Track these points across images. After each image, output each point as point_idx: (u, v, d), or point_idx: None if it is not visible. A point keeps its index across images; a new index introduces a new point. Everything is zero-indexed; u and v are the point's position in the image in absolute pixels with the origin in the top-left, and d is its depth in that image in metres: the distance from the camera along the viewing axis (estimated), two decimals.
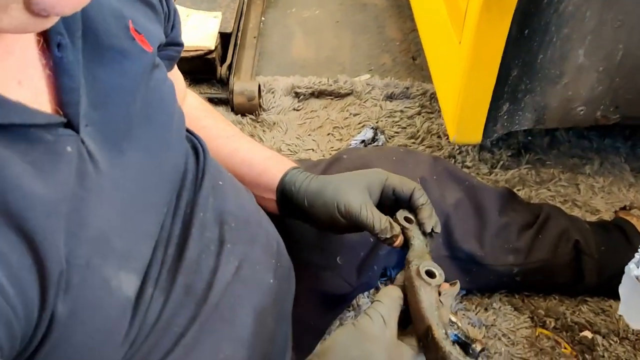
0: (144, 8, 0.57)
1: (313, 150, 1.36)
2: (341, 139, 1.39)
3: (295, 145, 1.36)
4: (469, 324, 0.99)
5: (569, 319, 0.99)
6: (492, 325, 0.99)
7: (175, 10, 0.66)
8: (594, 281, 0.99)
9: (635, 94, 1.01)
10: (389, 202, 0.70)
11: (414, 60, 1.62)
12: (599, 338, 0.96)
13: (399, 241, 0.65)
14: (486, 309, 1.02)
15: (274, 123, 1.42)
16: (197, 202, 0.58)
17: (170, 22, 0.65)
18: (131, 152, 0.50)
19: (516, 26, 0.91)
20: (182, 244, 0.55)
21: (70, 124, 0.44)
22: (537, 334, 0.98)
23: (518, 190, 1.23)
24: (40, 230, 0.38)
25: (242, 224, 0.64)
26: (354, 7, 1.82)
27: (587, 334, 0.97)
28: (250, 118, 1.42)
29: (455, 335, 1.00)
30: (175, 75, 0.79)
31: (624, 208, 1.17)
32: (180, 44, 0.70)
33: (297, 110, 1.46)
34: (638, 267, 0.62)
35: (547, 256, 0.99)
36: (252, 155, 0.77)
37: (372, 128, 1.36)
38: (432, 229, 0.67)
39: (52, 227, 0.39)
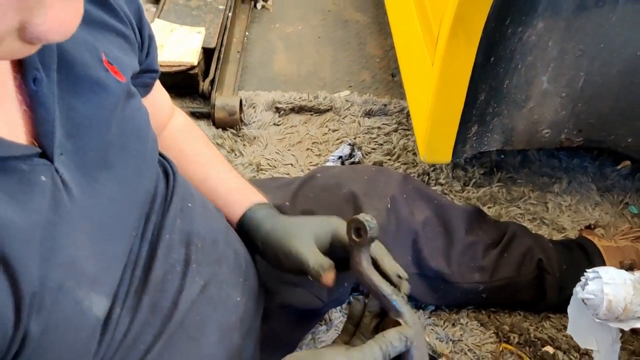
0: (117, 39, 0.60)
1: (292, 165, 1.39)
2: (319, 154, 1.42)
3: (275, 160, 1.39)
4: (436, 339, 1.02)
5: (532, 335, 1.03)
6: (459, 340, 1.03)
7: (151, 38, 0.69)
8: (555, 299, 1.03)
9: (596, 119, 1.05)
10: (340, 254, 0.69)
11: (393, 77, 1.66)
12: (560, 353, 1.00)
13: (326, 279, 0.65)
14: (454, 325, 1.05)
15: (255, 137, 1.45)
16: (164, 224, 0.61)
17: (145, 50, 0.68)
18: (105, 180, 0.53)
19: (482, 53, 0.95)
20: (148, 265, 0.58)
21: (45, 154, 0.47)
22: (501, 349, 1.01)
23: (489, 207, 1.27)
24: (16, 255, 0.41)
25: (209, 244, 0.67)
26: (335, 23, 1.86)
27: (549, 349, 1.01)
28: (231, 132, 1.45)
29: None
30: (161, 95, 0.81)
31: (589, 227, 1.21)
32: (156, 71, 0.73)
33: (278, 125, 1.49)
34: (584, 290, 0.66)
35: (511, 274, 1.03)
36: (218, 185, 0.79)
37: (350, 144, 1.40)
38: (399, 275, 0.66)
39: (26, 253, 0.42)
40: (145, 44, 0.66)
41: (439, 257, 1.01)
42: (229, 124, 1.45)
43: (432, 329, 1.04)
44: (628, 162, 1.35)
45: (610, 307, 0.64)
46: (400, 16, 1.42)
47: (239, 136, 1.45)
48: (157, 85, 0.78)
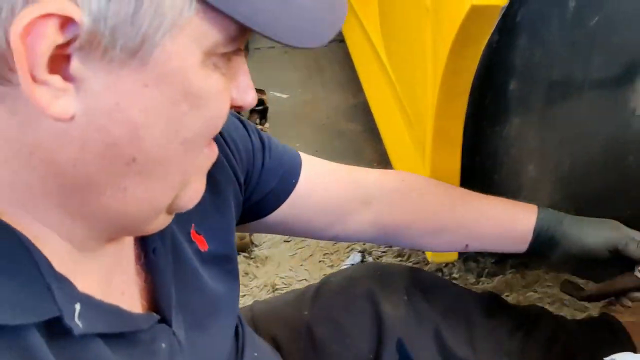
0: (216, 200, 0.62)
1: (306, 280, 1.41)
2: (332, 265, 1.44)
3: (289, 277, 1.42)
4: None
5: None
6: None
7: (267, 169, 0.71)
8: None
9: (591, 197, 1.08)
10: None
11: None
12: None
13: None
14: None
15: (267, 257, 1.48)
16: None
17: (254, 182, 0.70)
18: (198, 339, 0.56)
19: (467, 155, 1.00)
20: None
21: (164, 320, 0.50)
22: None
23: (506, 295, 1.27)
24: None
25: None
26: (331, 135, 1.96)
27: None
28: (243, 256, 1.49)
29: None
30: (329, 181, 0.81)
31: (610, 303, 1.19)
32: (284, 178, 0.73)
33: (287, 241, 1.54)
34: None
35: (540, 359, 1.01)
36: (496, 211, 0.86)
37: (360, 252, 1.43)
38: None
39: None
40: (253, 180, 0.69)
41: (463, 345, 1.00)
42: (240, 248, 1.49)
43: None
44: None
45: None
46: (388, 125, 1.50)
47: (251, 258, 1.49)
48: (320, 176, 0.79)
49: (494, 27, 0.82)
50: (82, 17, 0.32)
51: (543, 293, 1.27)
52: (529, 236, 0.84)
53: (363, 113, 2.04)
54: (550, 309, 1.22)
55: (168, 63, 0.36)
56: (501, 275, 1.32)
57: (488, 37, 0.82)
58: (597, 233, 0.81)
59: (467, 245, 0.88)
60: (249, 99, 0.45)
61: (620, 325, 1.07)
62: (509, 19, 0.85)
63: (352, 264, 1.39)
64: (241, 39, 0.39)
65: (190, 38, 0.36)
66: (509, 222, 0.86)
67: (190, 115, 0.39)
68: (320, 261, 1.45)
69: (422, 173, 1.11)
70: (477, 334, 1.01)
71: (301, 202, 0.76)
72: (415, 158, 1.19)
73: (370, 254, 1.43)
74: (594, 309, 1.21)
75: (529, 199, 1.09)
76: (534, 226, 0.84)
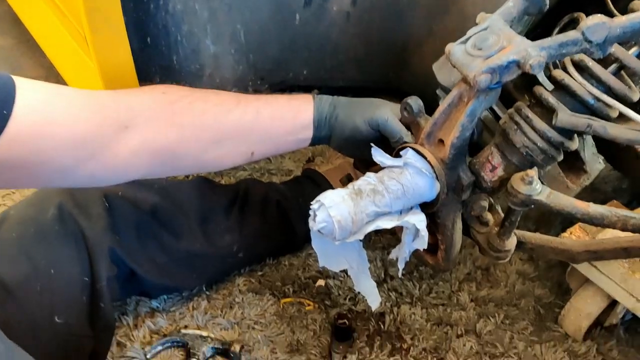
0: None
1: None
2: None
3: None
4: (221, 330, 0.99)
5: (302, 278, 1.07)
6: (242, 319, 1.01)
7: None
8: (304, 230, 1.08)
9: (272, 64, 1.09)
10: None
11: None
12: (330, 281, 1.06)
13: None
14: (231, 307, 1.03)
15: None
16: None
17: None
18: None
19: (136, 37, 0.90)
20: None
21: None
22: (282, 306, 1.03)
23: (218, 180, 1.26)
24: None
25: None
26: None
27: (320, 282, 1.06)
28: None
29: (213, 348, 0.99)
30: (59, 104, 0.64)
31: (309, 160, 1.29)
32: None
33: None
34: (315, 222, 0.68)
35: (258, 223, 1.05)
36: (275, 108, 0.79)
37: None
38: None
39: None
40: None
41: (182, 235, 0.98)
42: None
43: (213, 322, 1.00)
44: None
45: (342, 226, 0.67)
46: (45, 29, 1.27)
47: None
48: (53, 104, 0.63)
49: None
50: None
51: (251, 169, 1.30)
52: (310, 128, 0.80)
53: (13, 24, 1.70)
54: (262, 179, 1.26)
55: None
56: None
57: None
58: (363, 112, 0.79)
59: (252, 153, 0.81)
60: None
61: (321, 175, 1.16)
62: None
63: None
64: None
65: None
66: (289, 116, 0.80)
67: None
68: None
69: (92, 70, 0.96)
70: (193, 221, 1.00)
71: (28, 140, 0.60)
72: (84, 58, 1.02)
73: None
74: (297, 170, 1.29)
75: (213, 77, 1.05)
76: (313, 116, 0.80)
